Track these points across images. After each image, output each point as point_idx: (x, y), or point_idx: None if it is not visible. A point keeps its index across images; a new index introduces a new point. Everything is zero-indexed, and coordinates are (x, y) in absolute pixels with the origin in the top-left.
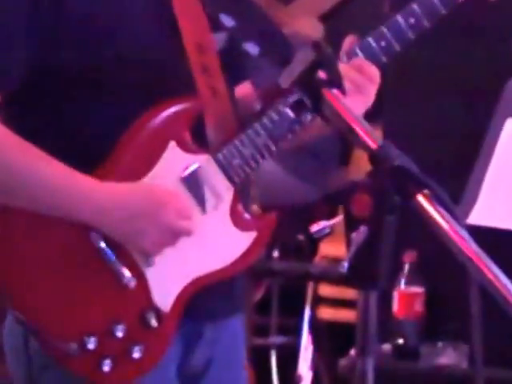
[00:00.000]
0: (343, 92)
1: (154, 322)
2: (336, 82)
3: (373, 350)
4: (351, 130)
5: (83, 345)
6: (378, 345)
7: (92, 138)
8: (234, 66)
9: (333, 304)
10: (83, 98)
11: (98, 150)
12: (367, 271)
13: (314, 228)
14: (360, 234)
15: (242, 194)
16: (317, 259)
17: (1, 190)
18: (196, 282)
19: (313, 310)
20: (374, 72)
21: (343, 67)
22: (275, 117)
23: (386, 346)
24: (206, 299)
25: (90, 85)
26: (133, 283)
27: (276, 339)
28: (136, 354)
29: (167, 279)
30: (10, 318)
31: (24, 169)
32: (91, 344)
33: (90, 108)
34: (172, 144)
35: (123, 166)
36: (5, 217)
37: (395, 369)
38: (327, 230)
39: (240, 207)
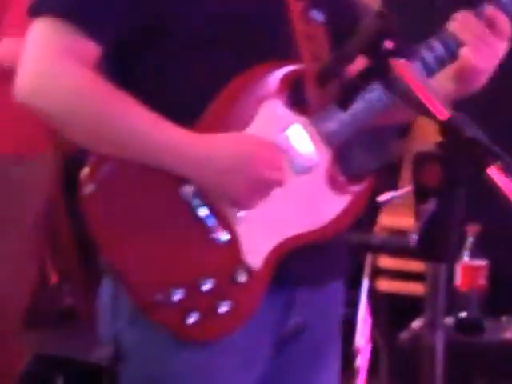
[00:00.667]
0: (410, 61)
1: (243, 279)
2: (403, 51)
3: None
4: (419, 101)
5: (169, 296)
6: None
7: (191, 94)
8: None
9: (392, 276)
10: (184, 54)
11: (196, 105)
12: (437, 243)
13: (382, 198)
14: (430, 205)
15: (338, 158)
16: (376, 230)
17: (92, 137)
18: (287, 241)
19: (371, 281)
20: (505, 25)
21: (467, 18)
22: (374, 90)
23: (449, 320)
24: (300, 264)
25: (192, 42)
26: (223, 238)
27: None
28: (223, 309)
29: (258, 236)
30: (103, 281)
31: (117, 115)
32: (178, 295)
33: (191, 65)
34: (273, 102)
35: (223, 120)
36: (100, 166)
37: (458, 342)
38: (395, 201)
39: (336, 171)
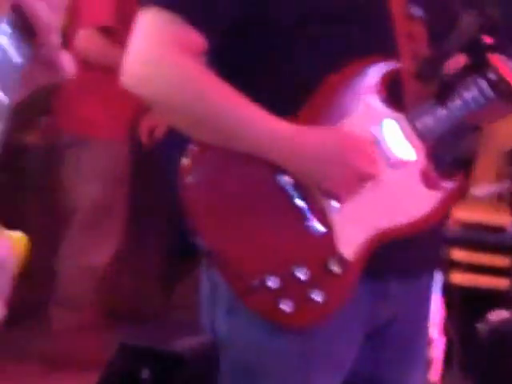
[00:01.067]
0: (509, 57)
1: (337, 269)
2: (501, 47)
3: None
4: None
5: (264, 282)
6: None
7: (293, 85)
8: (439, 35)
9: (465, 269)
10: (286, 45)
11: (298, 96)
12: None
13: (479, 192)
14: None
15: (432, 154)
16: (450, 223)
17: (197, 125)
18: (381, 234)
19: (445, 274)
20: None
21: None
22: (472, 87)
23: None
24: (393, 256)
25: (294, 33)
26: (318, 228)
27: None
28: (317, 298)
29: (352, 227)
30: (204, 269)
31: (221, 105)
32: (272, 282)
33: (292, 56)
34: (371, 97)
35: (321, 111)
36: (200, 155)
37: None
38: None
39: (430, 166)
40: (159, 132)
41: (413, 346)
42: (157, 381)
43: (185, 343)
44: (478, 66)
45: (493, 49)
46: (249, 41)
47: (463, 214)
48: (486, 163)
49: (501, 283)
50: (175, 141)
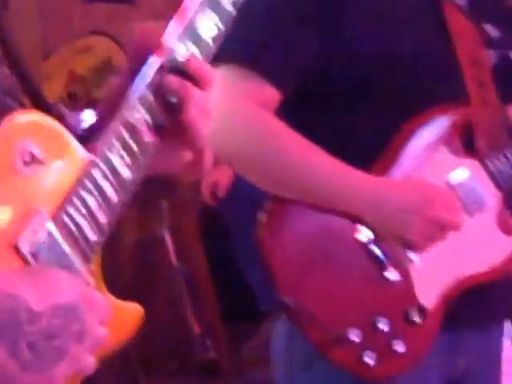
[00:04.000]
0: None
1: (417, 319)
2: None
3: None
4: None
5: (347, 336)
6: None
7: (362, 142)
8: (508, 83)
9: None
10: (352, 105)
11: (369, 151)
12: None
13: None
14: None
15: (508, 201)
16: None
17: (276, 181)
18: (460, 282)
19: None
20: None
21: None
22: None
23: None
24: (468, 305)
25: (361, 92)
26: (397, 279)
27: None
28: (399, 349)
29: (432, 276)
30: (278, 324)
31: (299, 160)
32: (354, 336)
33: (360, 115)
34: (443, 149)
35: (394, 164)
36: (279, 209)
37: None
38: None
39: (506, 213)
40: (222, 189)
41: None
42: None
43: None
44: None
45: None
46: (317, 99)
47: None
48: None
49: None
50: (242, 195)
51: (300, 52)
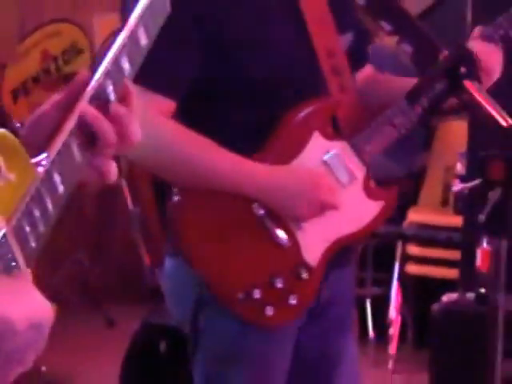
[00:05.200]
0: (479, 82)
1: (305, 275)
2: (474, 74)
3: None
4: (486, 112)
5: (250, 295)
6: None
7: (245, 134)
8: (356, 59)
9: (418, 261)
10: (229, 103)
11: (254, 141)
12: (501, 223)
13: (456, 188)
14: (495, 193)
15: (371, 170)
16: (405, 224)
17: (181, 176)
18: (337, 242)
19: (401, 266)
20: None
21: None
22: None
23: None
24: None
25: (238, 94)
26: (287, 243)
27: (371, 290)
28: (293, 301)
29: (314, 240)
30: (169, 265)
31: (199, 156)
32: (256, 294)
33: (241, 112)
34: (316, 134)
35: (275, 153)
36: (187, 196)
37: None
38: (465, 192)
39: (371, 182)
40: None
41: (345, 322)
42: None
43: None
44: (456, 88)
45: (467, 75)
46: (203, 102)
47: (416, 216)
48: (435, 176)
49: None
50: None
51: (185, 69)
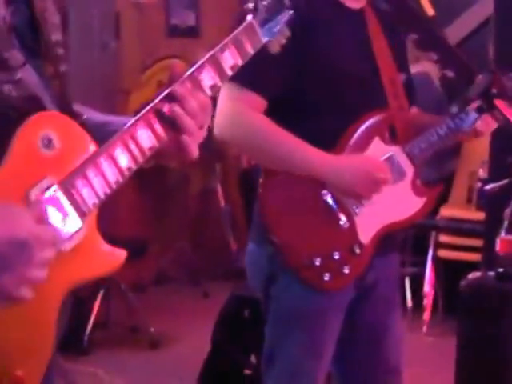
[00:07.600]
0: (510, 101)
1: (358, 251)
2: (504, 95)
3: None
4: None
5: (312, 262)
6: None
7: (323, 137)
8: (409, 95)
9: (448, 248)
10: (311, 112)
11: (329, 142)
12: None
13: (487, 188)
14: None
15: (419, 171)
16: (438, 217)
17: (264, 159)
18: (386, 226)
19: (434, 251)
20: None
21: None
22: (463, 116)
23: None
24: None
25: (319, 103)
26: (346, 224)
27: (410, 270)
28: (346, 271)
29: (368, 224)
30: (250, 249)
31: (280, 143)
32: (317, 262)
33: (322, 119)
34: (376, 138)
35: (347, 149)
36: (270, 178)
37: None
38: (495, 190)
39: (418, 180)
40: None
41: (391, 300)
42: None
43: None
44: (488, 106)
45: (498, 96)
46: (291, 105)
47: (446, 211)
48: (461, 179)
49: (473, 257)
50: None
51: (279, 75)
